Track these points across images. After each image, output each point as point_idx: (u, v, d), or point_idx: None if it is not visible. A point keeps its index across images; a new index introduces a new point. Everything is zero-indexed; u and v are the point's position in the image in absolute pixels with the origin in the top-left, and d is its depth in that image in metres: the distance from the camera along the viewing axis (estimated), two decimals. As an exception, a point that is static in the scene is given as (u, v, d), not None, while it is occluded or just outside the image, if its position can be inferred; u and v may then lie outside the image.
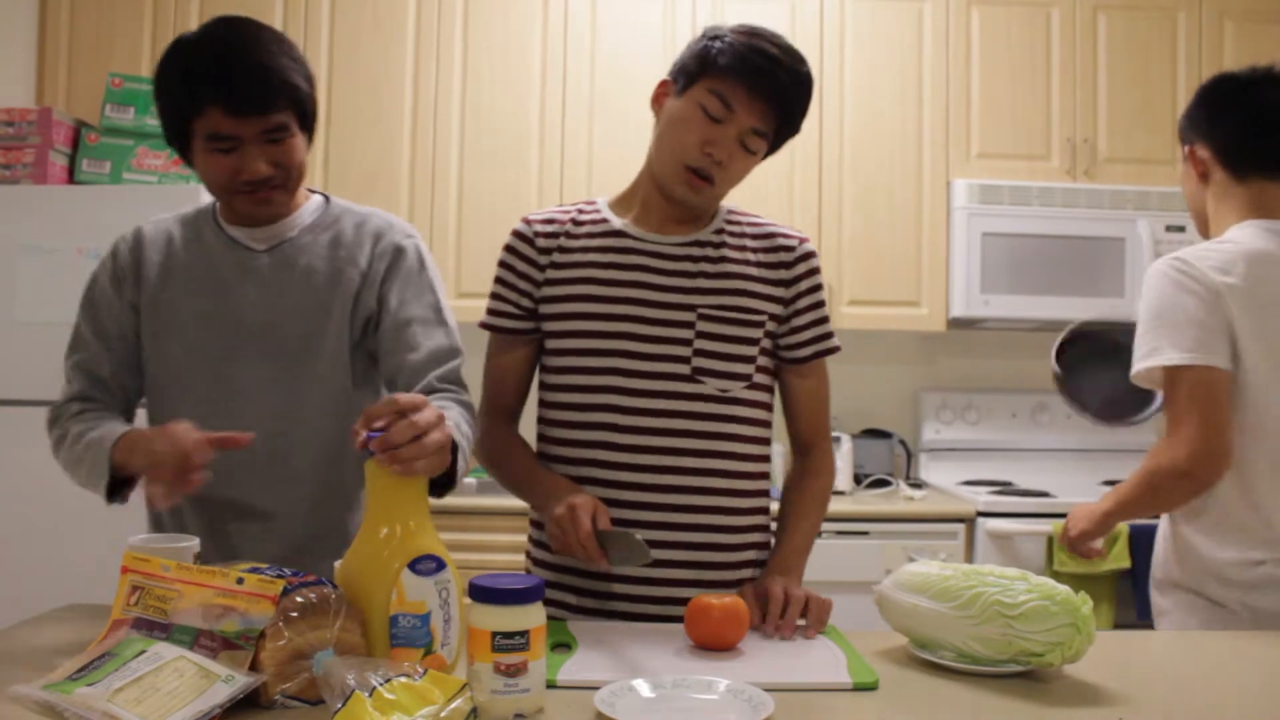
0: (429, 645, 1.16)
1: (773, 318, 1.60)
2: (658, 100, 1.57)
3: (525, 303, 1.62)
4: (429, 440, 1.13)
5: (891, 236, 3.60)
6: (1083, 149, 3.65)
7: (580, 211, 1.65)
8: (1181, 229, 3.57)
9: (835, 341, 1.65)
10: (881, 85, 3.60)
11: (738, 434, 1.57)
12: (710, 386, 1.55)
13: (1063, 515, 2.21)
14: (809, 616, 1.41)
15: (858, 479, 3.54)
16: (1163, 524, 1.81)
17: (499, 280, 1.65)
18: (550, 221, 1.64)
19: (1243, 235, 1.75)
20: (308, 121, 1.56)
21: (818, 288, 1.63)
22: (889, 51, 3.64)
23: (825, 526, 1.64)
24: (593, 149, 3.58)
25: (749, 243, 1.62)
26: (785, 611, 1.40)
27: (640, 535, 1.34)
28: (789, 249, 1.62)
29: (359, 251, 1.62)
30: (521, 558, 3.10)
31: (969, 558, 3.19)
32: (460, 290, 3.54)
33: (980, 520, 3.18)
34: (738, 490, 1.57)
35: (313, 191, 1.70)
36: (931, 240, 3.62)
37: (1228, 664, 1.37)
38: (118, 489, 1.48)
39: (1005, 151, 3.65)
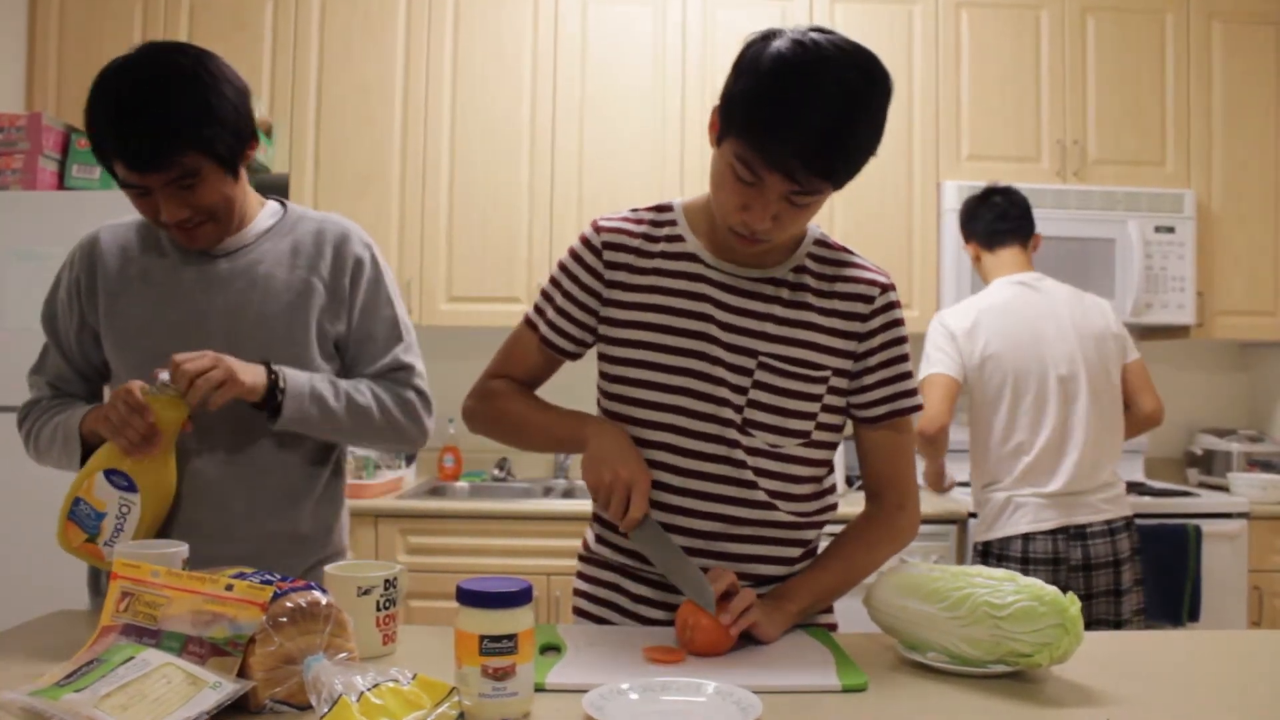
0: (94, 535, 1.47)
1: (839, 373, 1.46)
2: (711, 130, 1.37)
3: (585, 318, 1.51)
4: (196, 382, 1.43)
5: (882, 238, 3.60)
6: (1072, 150, 3.66)
7: (655, 224, 1.51)
8: (1171, 230, 3.58)
9: (914, 400, 1.50)
10: (872, 88, 3.60)
11: (789, 492, 1.48)
12: (760, 440, 1.44)
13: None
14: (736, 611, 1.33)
15: (849, 481, 3.55)
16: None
17: (559, 288, 1.53)
18: (621, 232, 1.50)
19: (991, 291, 2.89)
20: (227, 160, 1.52)
21: (894, 342, 1.48)
22: (879, 53, 3.62)
23: (826, 530, 1.58)
24: (583, 153, 3.59)
25: (827, 286, 1.46)
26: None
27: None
28: (866, 299, 1.46)
29: (320, 261, 1.64)
30: (515, 561, 3.13)
31: (960, 559, 3.20)
32: (451, 294, 3.54)
33: (971, 521, 3.19)
34: (786, 540, 1.50)
35: (271, 198, 1.71)
36: (922, 242, 3.64)
37: (1216, 663, 1.37)
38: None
39: (995, 153, 3.66)
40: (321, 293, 1.63)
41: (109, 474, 1.48)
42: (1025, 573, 2.55)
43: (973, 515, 3.16)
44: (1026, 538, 2.68)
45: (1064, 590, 2.53)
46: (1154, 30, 3.72)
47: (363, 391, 1.62)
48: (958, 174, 3.63)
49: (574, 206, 3.57)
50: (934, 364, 2.83)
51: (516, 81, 3.60)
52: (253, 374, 1.50)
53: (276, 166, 3.53)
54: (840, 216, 3.61)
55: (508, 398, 1.56)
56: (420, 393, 1.69)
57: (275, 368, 1.54)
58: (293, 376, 1.55)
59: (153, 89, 1.45)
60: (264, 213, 1.67)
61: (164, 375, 1.46)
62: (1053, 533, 2.67)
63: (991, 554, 2.75)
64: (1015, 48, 3.69)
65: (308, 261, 1.63)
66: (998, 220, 2.91)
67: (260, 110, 3.43)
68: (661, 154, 3.58)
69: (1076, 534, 2.68)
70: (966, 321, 2.81)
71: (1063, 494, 2.68)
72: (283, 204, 1.70)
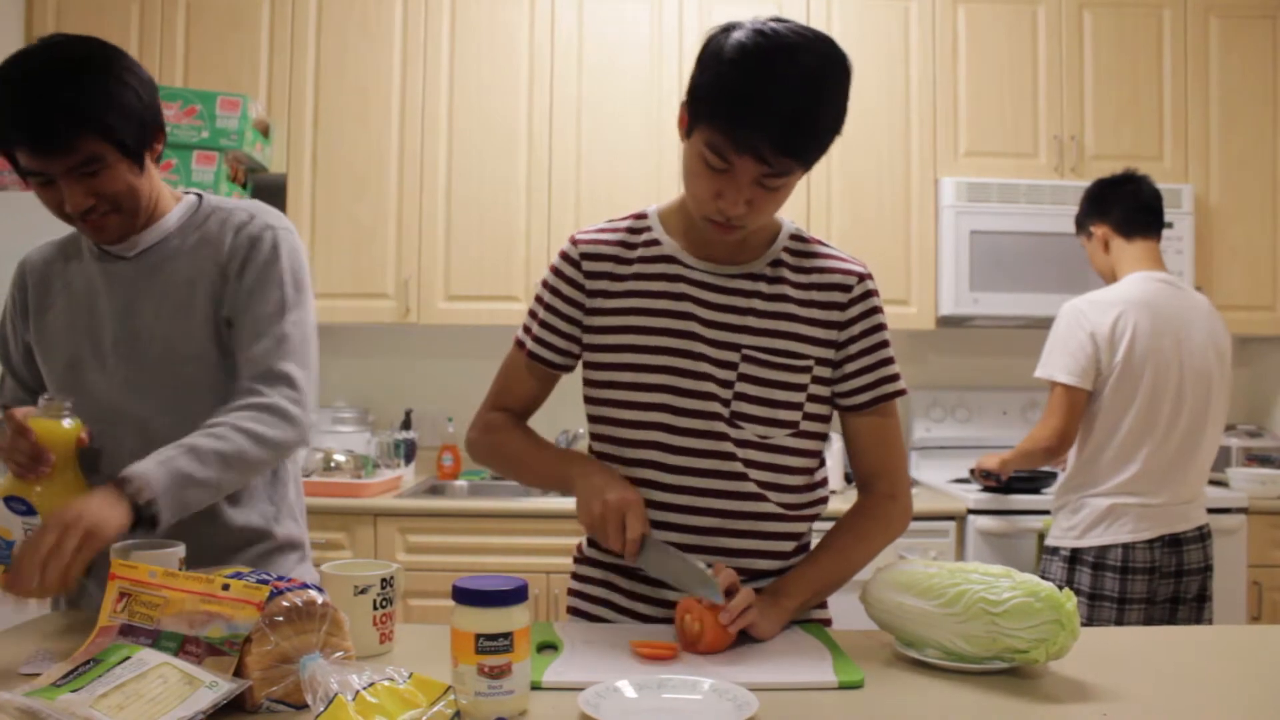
0: (8, 565, 1.38)
1: (822, 362, 1.49)
2: (681, 125, 1.39)
3: (570, 330, 1.53)
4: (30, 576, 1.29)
5: (880, 235, 3.60)
6: (1070, 146, 3.66)
7: (631, 231, 1.54)
8: (1169, 225, 3.56)
9: (898, 385, 1.52)
10: (869, 84, 3.60)
11: (780, 483, 1.49)
12: (749, 432, 1.46)
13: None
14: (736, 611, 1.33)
15: (847, 478, 3.55)
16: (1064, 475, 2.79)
17: (544, 305, 1.55)
18: (598, 243, 1.53)
19: (1130, 284, 2.70)
20: (131, 149, 1.50)
21: (874, 329, 1.50)
22: (876, 50, 3.65)
23: (817, 525, 1.59)
24: (580, 150, 3.58)
25: (804, 278, 1.49)
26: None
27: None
28: (845, 288, 1.49)
29: (220, 246, 1.59)
30: (514, 559, 3.13)
31: (960, 555, 3.20)
32: (449, 293, 3.54)
33: (971, 518, 3.20)
34: (778, 533, 1.51)
35: (189, 193, 1.67)
36: (920, 238, 3.63)
37: (1212, 660, 1.37)
38: None
39: (993, 149, 3.66)
40: (215, 274, 1.57)
41: (8, 501, 1.42)
42: (1122, 582, 2.56)
43: (978, 513, 3.18)
44: (1128, 547, 2.59)
45: (1153, 599, 2.36)
46: (1151, 25, 3.71)
47: (226, 437, 1.46)
48: (955, 170, 3.63)
49: (571, 205, 3.57)
50: (1064, 370, 2.65)
51: (513, 80, 3.60)
52: (105, 512, 1.32)
53: (274, 166, 3.53)
54: (838, 213, 3.61)
55: (506, 432, 1.58)
56: (288, 392, 1.53)
57: (127, 476, 1.37)
58: (153, 479, 1.37)
59: (57, 72, 1.45)
60: (178, 209, 1.63)
61: (45, 396, 1.46)
62: (1151, 542, 2.60)
63: (1083, 562, 2.64)
64: (1012, 43, 3.68)
65: (211, 252, 1.59)
66: (1141, 211, 2.75)
67: (257, 110, 3.43)
68: (659, 152, 3.58)
69: (1172, 541, 2.62)
70: (1109, 317, 2.62)
71: (1169, 504, 2.62)
72: (199, 197, 1.66)
